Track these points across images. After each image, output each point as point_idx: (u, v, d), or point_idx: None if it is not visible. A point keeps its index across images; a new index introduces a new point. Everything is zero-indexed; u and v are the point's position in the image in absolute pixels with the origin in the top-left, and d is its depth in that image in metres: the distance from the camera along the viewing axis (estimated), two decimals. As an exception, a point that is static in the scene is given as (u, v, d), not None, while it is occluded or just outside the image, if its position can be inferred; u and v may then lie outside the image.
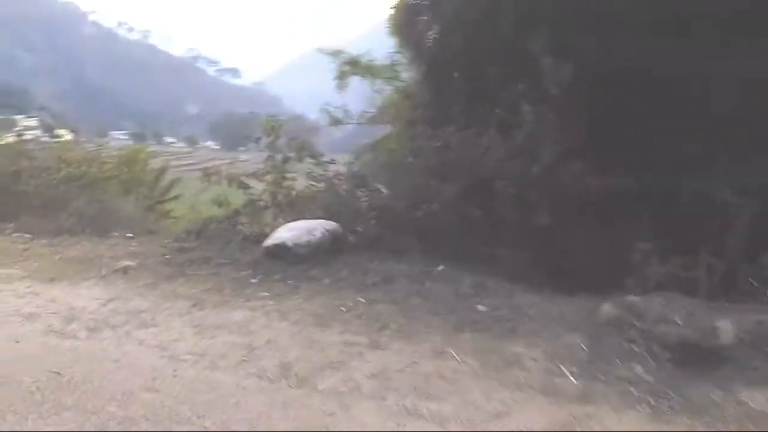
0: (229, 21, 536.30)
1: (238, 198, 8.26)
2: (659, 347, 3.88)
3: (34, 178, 9.82)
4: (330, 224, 6.39)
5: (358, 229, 6.60)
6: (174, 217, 12.09)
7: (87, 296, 5.36)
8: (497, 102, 6.14)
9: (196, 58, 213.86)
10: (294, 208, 7.56)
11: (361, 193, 7.25)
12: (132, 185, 12.44)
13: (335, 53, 9.14)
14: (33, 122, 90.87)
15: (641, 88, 5.22)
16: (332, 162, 8.12)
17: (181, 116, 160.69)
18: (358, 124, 9.76)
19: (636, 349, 3.94)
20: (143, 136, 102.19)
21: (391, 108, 8.80)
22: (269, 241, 6.21)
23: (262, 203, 7.88)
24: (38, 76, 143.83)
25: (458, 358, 3.97)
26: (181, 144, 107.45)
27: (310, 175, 7.84)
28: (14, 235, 8.00)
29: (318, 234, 6.13)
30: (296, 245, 6.03)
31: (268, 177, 8.04)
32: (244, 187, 8.09)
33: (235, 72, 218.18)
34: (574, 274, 5.33)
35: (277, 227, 6.75)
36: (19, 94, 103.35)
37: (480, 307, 4.88)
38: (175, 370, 3.85)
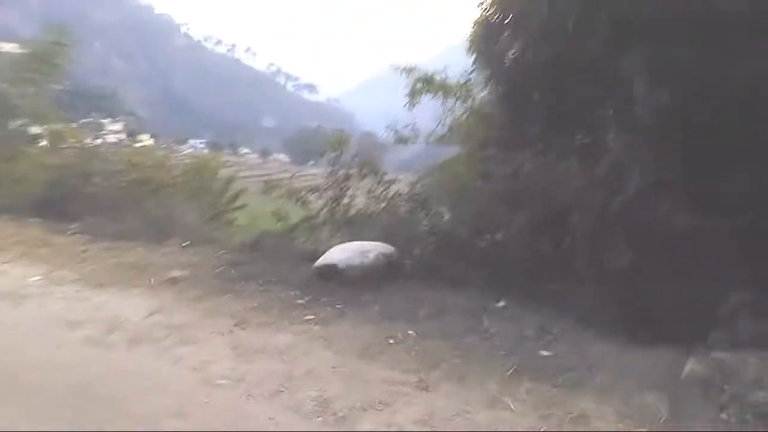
0: (311, 38, 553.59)
1: (297, 213, 8.18)
2: (754, 417, 3.33)
3: (104, 180, 10.02)
4: (386, 247, 6.24)
5: (415, 254, 6.33)
6: (236, 226, 12.05)
7: (133, 306, 5.33)
8: (580, 127, 5.71)
9: (276, 72, 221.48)
10: (351, 226, 7.44)
11: (421, 215, 7.04)
12: (199, 193, 12.44)
13: (408, 70, 8.69)
14: (119, 126, 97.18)
15: (749, 116, 4.55)
16: (395, 181, 7.91)
17: (258, 128, 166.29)
18: (426, 143, 9.27)
19: (725, 417, 3.40)
20: (219, 145, 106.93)
21: (462, 128, 8.41)
22: (321, 261, 6.09)
23: (319, 220, 7.77)
24: (129, 82, 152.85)
25: (515, 409, 3.53)
26: (255, 155, 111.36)
27: (370, 194, 7.69)
28: (76, 235, 8.11)
29: (371, 257, 5.98)
30: (348, 267, 5.84)
31: (329, 193, 7.96)
32: (304, 202, 8.04)
33: (312, 88, 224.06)
34: (653, 323, 4.69)
35: (333, 246, 6.57)
36: (110, 98, 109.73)
37: (544, 352, 4.42)
38: (207, 396, 3.66)
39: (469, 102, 8.51)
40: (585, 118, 5.62)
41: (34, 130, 14.24)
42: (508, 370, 4.06)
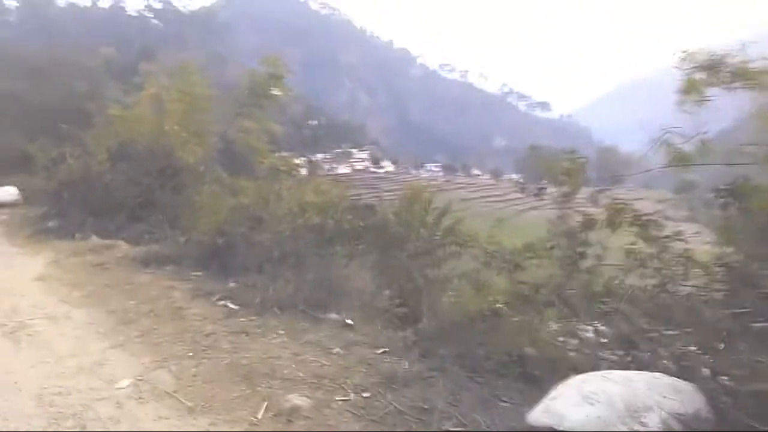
0: (543, 56, 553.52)
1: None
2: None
3: (278, 224, 8.25)
4: (677, 390, 3.28)
5: (738, 396, 3.27)
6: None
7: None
8: None
9: (508, 93, 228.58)
10: (594, 313, 4.72)
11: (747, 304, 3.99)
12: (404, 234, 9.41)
13: (687, 57, 5.34)
14: (364, 155, 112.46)
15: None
16: (679, 236, 5.23)
17: (489, 149, 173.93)
18: (727, 164, 5.62)
19: None
20: (453, 168, 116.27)
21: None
22: (537, 413, 3.30)
23: (541, 296, 5.27)
24: (372, 113, 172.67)
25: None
26: (486, 176, 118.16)
27: (630, 255, 5.27)
28: (221, 303, 6.57)
29: (652, 425, 2.98)
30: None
31: (555, 253, 5.63)
32: (517, 264, 5.51)
33: (544, 105, 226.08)
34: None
35: (563, 378, 3.47)
36: (357, 130, 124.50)
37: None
38: None
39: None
40: None
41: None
42: None
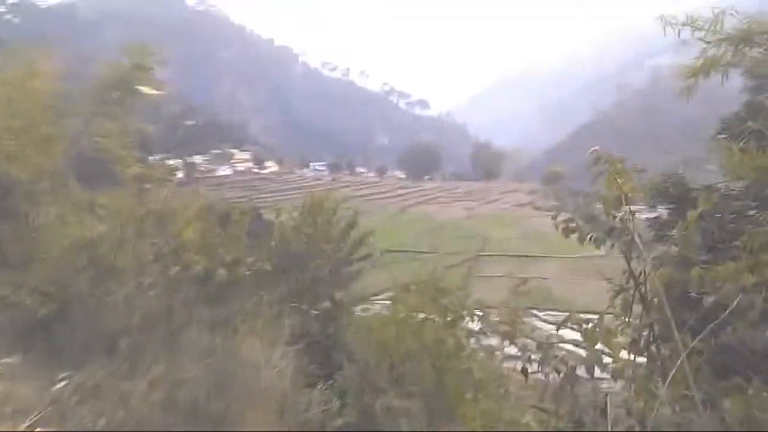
0: (421, 55, 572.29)
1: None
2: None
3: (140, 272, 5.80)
4: None
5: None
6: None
7: None
8: None
9: (389, 92, 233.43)
10: None
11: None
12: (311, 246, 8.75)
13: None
14: (246, 155, 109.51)
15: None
16: None
17: (373, 147, 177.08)
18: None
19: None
20: (338, 166, 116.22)
21: None
22: None
23: None
24: (254, 113, 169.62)
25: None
26: (371, 174, 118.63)
27: None
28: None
29: None
30: None
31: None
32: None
33: (424, 104, 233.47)
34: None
35: None
36: (238, 129, 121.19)
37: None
38: None
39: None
40: None
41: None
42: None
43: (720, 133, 7.70)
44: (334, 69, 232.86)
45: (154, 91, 13.02)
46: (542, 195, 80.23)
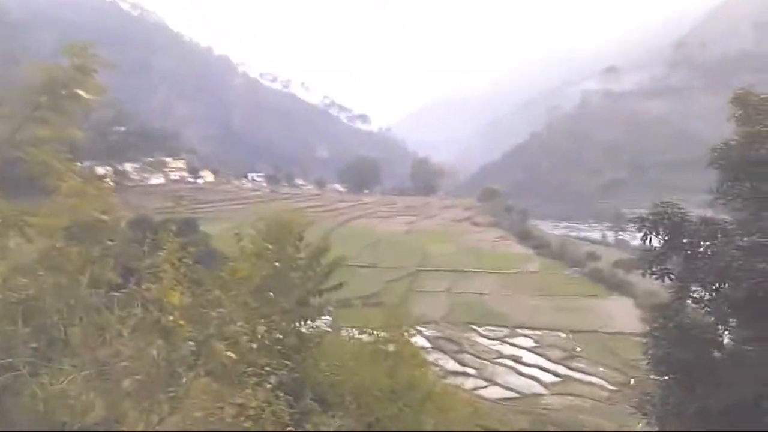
0: (362, 70, 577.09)
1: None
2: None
3: None
4: None
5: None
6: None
7: None
8: None
9: (329, 105, 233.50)
10: None
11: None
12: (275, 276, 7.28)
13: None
14: (181, 164, 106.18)
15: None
16: None
17: (313, 159, 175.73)
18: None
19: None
20: (277, 178, 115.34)
21: None
22: None
23: None
24: (190, 121, 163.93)
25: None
26: (310, 186, 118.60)
27: None
28: None
29: None
30: None
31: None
32: None
33: (364, 118, 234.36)
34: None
35: None
36: (172, 137, 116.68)
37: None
38: None
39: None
40: None
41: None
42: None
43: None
44: (274, 80, 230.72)
45: (95, 96, 12.41)
46: (479, 211, 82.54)
